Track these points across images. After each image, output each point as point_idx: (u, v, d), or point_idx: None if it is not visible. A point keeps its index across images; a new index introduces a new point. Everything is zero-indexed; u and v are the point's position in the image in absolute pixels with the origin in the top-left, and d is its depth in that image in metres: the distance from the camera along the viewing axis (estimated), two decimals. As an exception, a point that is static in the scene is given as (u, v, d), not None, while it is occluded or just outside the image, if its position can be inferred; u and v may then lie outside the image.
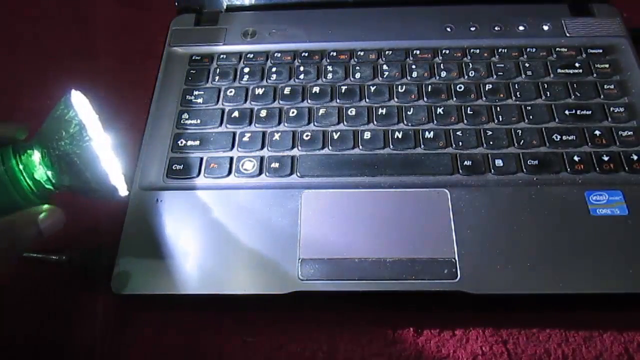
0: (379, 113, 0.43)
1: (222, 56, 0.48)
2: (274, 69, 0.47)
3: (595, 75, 0.45)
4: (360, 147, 0.42)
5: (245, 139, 0.42)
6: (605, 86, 0.44)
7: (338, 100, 0.45)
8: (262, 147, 0.42)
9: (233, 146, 0.42)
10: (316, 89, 0.45)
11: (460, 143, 0.41)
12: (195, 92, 0.46)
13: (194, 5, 0.52)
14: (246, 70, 0.47)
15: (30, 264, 0.36)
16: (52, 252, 0.37)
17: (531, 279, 0.35)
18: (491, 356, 0.35)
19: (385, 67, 0.46)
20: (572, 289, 0.34)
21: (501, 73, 0.45)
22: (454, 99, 0.44)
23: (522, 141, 0.41)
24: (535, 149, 0.41)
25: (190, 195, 0.40)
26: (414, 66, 0.46)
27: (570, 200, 0.38)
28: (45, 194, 0.33)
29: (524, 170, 0.40)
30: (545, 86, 0.44)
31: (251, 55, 0.48)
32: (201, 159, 0.42)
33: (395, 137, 0.42)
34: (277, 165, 0.41)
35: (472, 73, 0.45)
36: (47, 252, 0.37)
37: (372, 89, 0.45)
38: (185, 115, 0.44)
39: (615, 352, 0.34)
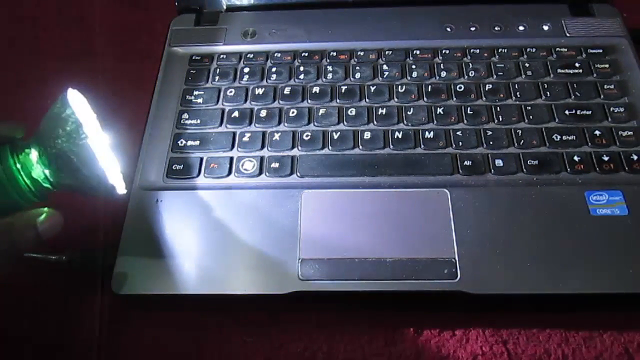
0: (379, 113, 0.43)
1: (222, 56, 0.48)
2: (274, 69, 0.47)
3: (595, 75, 0.45)
4: (360, 147, 0.42)
5: (245, 139, 0.42)
6: (605, 86, 0.44)
7: (338, 100, 0.45)
8: (262, 147, 0.42)
9: (233, 146, 0.42)
10: (316, 89, 0.45)
11: (460, 143, 0.41)
12: (195, 92, 0.46)
13: (194, 5, 0.52)
14: (246, 70, 0.47)
15: (30, 264, 0.36)
16: (52, 252, 0.37)
17: (531, 279, 0.35)
18: (491, 356, 0.35)
19: (385, 67, 0.46)
20: (572, 289, 0.34)
21: (501, 73, 0.45)
22: (454, 99, 0.44)
23: (522, 141, 0.41)
24: (535, 149, 0.41)
25: (190, 195, 0.40)
26: (414, 66, 0.46)
27: (570, 200, 0.38)
28: (44, 192, 0.33)
29: (524, 170, 0.40)
30: (545, 86, 0.44)
31: (251, 55, 0.48)
32: (201, 159, 0.42)
33: (395, 137, 0.42)
34: (277, 165, 0.41)
35: (472, 73, 0.45)
36: (47, 252, 0.37)
37: (372, 89, 0.45)
38: (185, 115, 0.44)
39: (615, 352, 0.34)
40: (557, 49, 0.47)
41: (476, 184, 0.39)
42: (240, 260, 0.37)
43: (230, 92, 0.46)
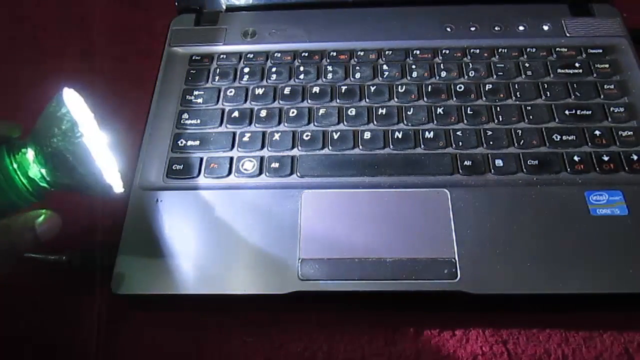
0: (379, 113, 0.43)
1: (222, 56, 0.48)
2: (274, 69, 0.47)
3: (595, 75, 0.45)
4: (360, 147, 0.42)
5: (245, 139, 0.42)
6: (605, 86, 0.44)
7: (338, 100, 0.45)
8: (262, 147, 0.42)
9: (233, 146, 0.42)
10: (316, 89, 0.45)
11: (460, 143, 0.41)
12: (195, 92, 0.46)
13: (194, 5, 0.52)
14: (246, 70, 0.47)
15: (30, 264, 0.36)
16: (52, 252, 0.37)
17: (531, 279, 0.35)
18: (491, 356, 0.35)
19: (385, 67, 0.46)
20: (572, 289, 0.34)
21: (501, 73, 0.45)
22: (454, 99, 0.44)
23: (522, 141, 0.41)
24: (535, 149, 0.41)
25: (190, 195, 0.40)
26: (414, 66, 0.46)
27: (570, 200, 0.38)
28: (41, 192, 0.33)
29: (524, 170, 0.40)
30: (545, 86, 0.44)
31: (251, 55, 0.48)
32: (201, 159, 0.42)
33: (395, 137, 0.42)
34: (277, 165, 0.41)
35: (472, 73, 0.45)
36: (47, 253, 0.37)
37: (372, 89, 0.45)
38: (185, 115, 0.44)
39: (615, 352, 0.34)
40: (557, 49, 0.47)
41: (476, 184, 0.39)
42: (240, 260, 0.37)
43: (230, 92, 0.46)
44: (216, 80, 0.47)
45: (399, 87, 0.45)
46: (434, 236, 0.37)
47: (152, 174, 0.41)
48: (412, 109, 0.43)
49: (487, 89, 0.44)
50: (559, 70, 0.45)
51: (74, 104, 0.32)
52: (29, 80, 0.51)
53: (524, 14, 0.49)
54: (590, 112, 0.42)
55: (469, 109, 0.43)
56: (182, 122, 0.44)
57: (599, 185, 0.39)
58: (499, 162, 0.40)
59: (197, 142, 0.43)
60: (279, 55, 0.48)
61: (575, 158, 0.40)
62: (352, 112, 0.43)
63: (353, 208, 0.38)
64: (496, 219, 0.37)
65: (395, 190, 0.39)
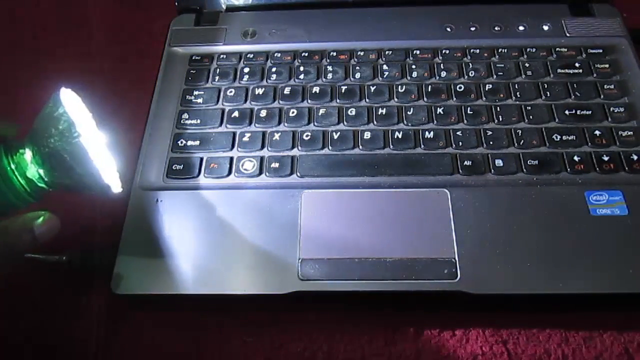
0: (379, 113, 0.43)
1: (222, 56, 0.48)
2: (274, 69, 0.47)
3: (595, 75, 0.45)
4: (360, 147, 0.42)
5: (245, 139, 0.42)
6: (605, 86, 0.44)
7: (338, 100, 0.45)
8: (262, 147, 0.42)
9: (233, 146, 0.42)
10: (316, 89, 0.45)
11: (460, 143, 0.41)
12: (195, 92, 0.46)
13: (194, 5, 0.52)
14: (246, 70, 0.47)
15: (30, 264, 0.36)
16: (52, 252, 0.37)
17: (531, 279, 0.35)
18: (491, 356, 0.35)
19: (385, 67, 0.46)
20: (572, 289, 0.34)
21: (501, 73, 0.45)
22: (454, 99, 0.44)
23: (522, 141, 0.41)
24: (535, 149, 0.41)
25: (190, 195, 0.40)
26: (414, 66, 0.46)
27: (570, 200, 0.38)
28: (40, 192, 0.33)
29: (524, 170, 0.40)
30: (545, 86, 0.44)
31: (251, 55, 0.48)
32: (201, 159, 0.42)
33: (395, 137, 0.42)
34: (277, 165, 0.41)
35: (472, 73, 0.45)
36: (47, 253, 0.37)
37: (372, 89, 0.45)
38: (185, 115, 0.44)
39: (615, 352, 0.34)
40: (557, 49, 0.47)
41: (476, 184, 0.39)
42: (240, 260, 0.37)
43: (230, 92, 0.46)
44: (216, 80, 0.47)
45: (399, 87, 0.45)
46: (434, 236, 0.37)
47: (152, 174, 0.41)
48: (412, 109, 0.43)
49: (487, 89, 0.44)
50: (559, 70, 0.45)
51: (71, 103, 0.32)
52: (29, 80, 0.51)
53: (524, 14, 0.49)
54: (590, 112, 0.42)
55: (469, 109, 0.43)
56: (182, 122, 0.44)
57: (599, 185, 0.39)
58: (499, 162, 0.40)
59: (197, 142, 0.43)
60: (279, 55, 0.48)
61: (575, 158, 0.40)
62: (352, 112, 0.43)
63: (353, 208, 0.38)
64: (496, 219, 0.37)
65: (395, 190, 0.39)
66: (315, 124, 0.43)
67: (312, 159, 0.41)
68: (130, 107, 0.46)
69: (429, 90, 0.45)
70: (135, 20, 0.56)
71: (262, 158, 0.41)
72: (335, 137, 0.42)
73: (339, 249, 0.36)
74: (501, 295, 0.35)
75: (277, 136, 0.42)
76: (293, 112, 0.44)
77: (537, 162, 0.40)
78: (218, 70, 0.47)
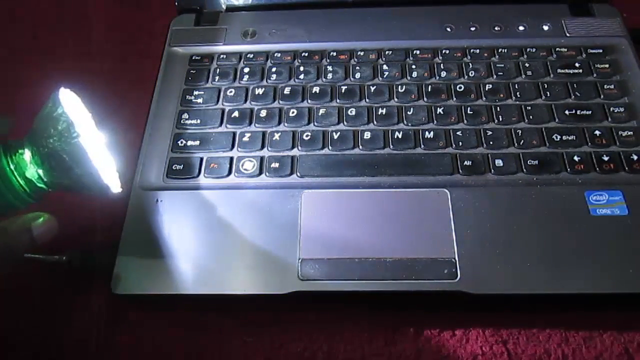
0: (379, 113, 0.43)
1: (222, 56, 0.48)
2: (274, 69, 0.47)
3: (595, 75, 0.45)
4: (360, 147, 0.42)
5: (245, 139, 0.42)
6: (605, 86, 0.44)
7: (338, 100, 0.45)
8: (262, 147, 0.42)
9: (233, 146, 0.42)
10: (316, 89, 0.45)
11: (460, 143, 0.41)
12: (195, 92, 0.46)
13: (194, 5, 0.52)
14: (246, 70, 0.47)
15: (30, 264, 0.36)
16: (52, 252, 0.37)
17: (531, 279, 0.35)
18: (491, 356, 0.35)
19: (385, 67, 0.46)
20: (572, 289, 0.34)
21: (501, 73, 0.45)
22: (454, 99, 0.44)
23: (522, 141, 0.41)
24: (535, 149, 0.41)
25: (190, 195, 0.40)
26: (414, 66, 0.46)
27: (570, 200, 0.38)
28: (39, 193, 0.33)
29: (524, 170, 0.40)
30: (545, 86, 0.44)
31: (251, 55, 0.48)
32: (201, 159, 0.42)
33: (395, 137, 0.42)
34: (277, 165, 0.41)
35: (472, 73, 0.45)
36: (47, 253, 0.37)
37: (372, 89, 0.45)
38: (185, 115, 0.44)
39: (615, 352, 0.34)
40: (557, 49, 0.47)
41: (476, 184, 0.39)
42: (240, 260, 0.37)
43: (230, 92, 0.46)
44: (216, 80, 0.47)
45: (399, 87, 0.45)
46: (434, 236, 0.37)
47: (152, 174, 0.41)
48: (412, 109, 0.43)
49: (487, 89, 0.44)
50: (559, 70, 0.45)
51: (70, 103, 0.32)
52: (29, 80, 0.51)
53: (524, 14, 0.49)
54: (590, 112, 0.42)
55: (469, 109, 0.43)
56: (182, 122, 0.44)
57: (599, 185, 0.39)
58: (499, 162, 0.40)
59: (197, 142, 0.43)
60: (279, 55, 0.48)
61: (575, 158, 0.40)
62: (352, 112, 0.43)
63: (353, 208, 0.38)
64: (496, 219, 0.37)
65: (395, 190, 0.39)
66: (315, 124, 0.43)
67: (312, 159, 0.41)
68: (130, 107, 0.46)
69: (429, 90, 0.45)
70: (135, 20, 0.56)
71: (262, 158, 0.41)
72: (335, 137, 0.42)
73: (339, 249, 0.36)
74: (501, 295, 0.35)
75: (277, 136, 0.42)
76: (293, 112, 0.44)
77: (537, 162, 0.40)
78: (218, 70, 0.47)
